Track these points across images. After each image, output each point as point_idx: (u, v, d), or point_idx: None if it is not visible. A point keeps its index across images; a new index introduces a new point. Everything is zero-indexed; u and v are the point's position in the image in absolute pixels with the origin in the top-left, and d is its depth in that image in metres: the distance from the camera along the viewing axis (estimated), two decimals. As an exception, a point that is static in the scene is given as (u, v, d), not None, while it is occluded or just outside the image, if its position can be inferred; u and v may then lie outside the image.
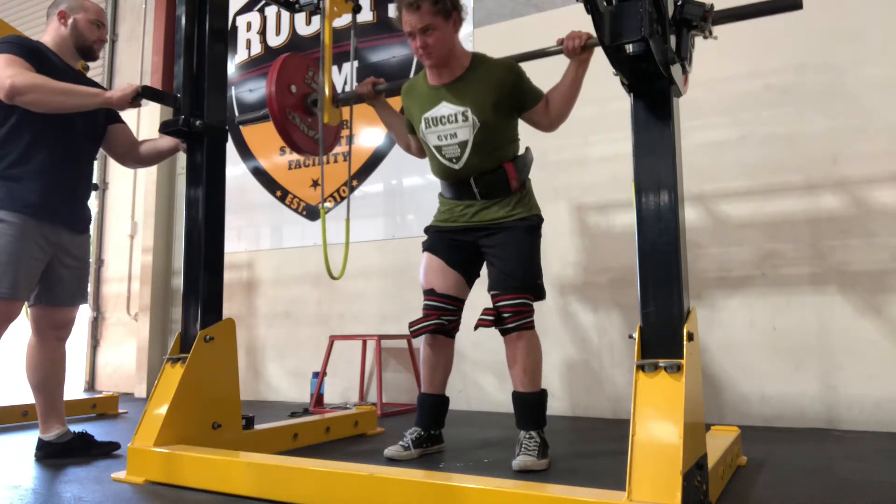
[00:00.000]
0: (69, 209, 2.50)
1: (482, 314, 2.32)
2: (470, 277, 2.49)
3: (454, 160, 2.38)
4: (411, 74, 4.28)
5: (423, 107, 2.42)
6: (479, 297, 2.50)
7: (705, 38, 1.89)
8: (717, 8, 1.91)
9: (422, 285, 2.48)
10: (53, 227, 2.43)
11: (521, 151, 2.47)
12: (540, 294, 2.36)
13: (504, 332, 2.31)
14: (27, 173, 2.38)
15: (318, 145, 2.72)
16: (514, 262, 2.32)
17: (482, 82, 2.34)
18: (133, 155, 2.73)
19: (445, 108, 2.36)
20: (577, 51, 2.21)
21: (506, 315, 2.29)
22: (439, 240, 2.48)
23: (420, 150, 2.59)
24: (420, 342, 2.53)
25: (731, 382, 3.21)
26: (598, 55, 1.71)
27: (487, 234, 2.38)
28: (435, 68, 2.38)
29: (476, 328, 2.34)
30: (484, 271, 2.49)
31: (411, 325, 2.46)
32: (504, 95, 2.33)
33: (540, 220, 2.44)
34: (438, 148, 2.40)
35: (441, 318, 2.41)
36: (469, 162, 2.35)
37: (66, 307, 2.55)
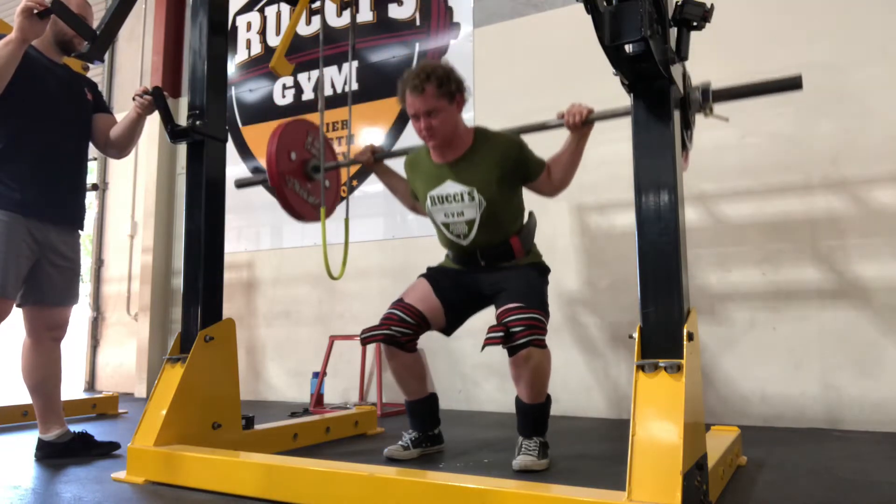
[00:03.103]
0: (56, 207, 2.48)
1: (489, 331, 2.14)
2: (452, 316, 2.42)
3: (461, 237, 2.38)
4: (411, 74, 4.28)
5: (428, 184, 2.42)
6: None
7: (706, 116, 1.94)
8: (719, 86, 1.95)
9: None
10: (40, 226, 2.42)
11: (526, 218, 2.48)
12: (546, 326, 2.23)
13: (513, 351, 2.13)
14: (11, 171, 2.36)
15: (315, 209, 2.71)
16: (524, 288, 2.27)
17: (486, 160, 2.34)
18: (110, 142, 2.67)
19: (451, 188, 2.36)
20: (579, 126, 2.22)
21: (515, 329, 2.10)
22: (439, 273, 2.47)
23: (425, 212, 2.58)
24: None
25: (731, 382, 3.21)
26: (599, 55, 1.71)
27: (492, 278, 2.37)
28: (438, 149, 2.38)
29: (483, 348, 2.18)
30: (468, 324, 2.46)
31: (363, 332, 2.38)
32: (508, 171, 2.34)
33: (546, 267, 2.45)
34: (445, 224, 2.41)
35: (393, 329, 2.32)
36: (476, 239, 2.36)
37: (58, 307, 2.53)
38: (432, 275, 2.49)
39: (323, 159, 2.69)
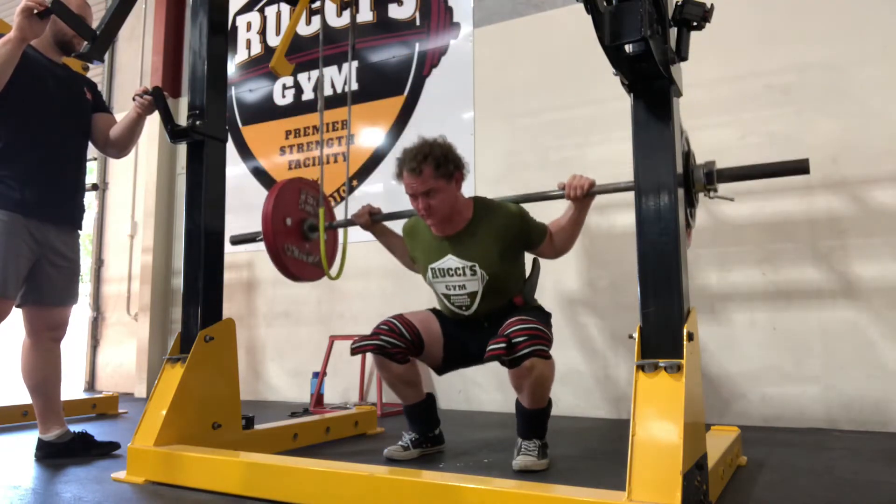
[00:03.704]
0: (56, 207, 2.48)
1: (491, 343, 2.07)
2: (449, 353, 2.40)
3: (464, 308, 2.37)
4: (411, 75, 4.29)
5: (428, 257, 2.40)
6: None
7: (710, 197, 1.93)
8: (724, 167, 1.95)
9: None
10: (40, 226, 2.42)
11: (528, 272, 2.46)
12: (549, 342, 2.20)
13: (515, 362, 2.07)
14: (11, 171, 2.36)
15: (315, 268, 2.72)
16: (528, 314, 2.23)
17: (487, 234, 2.32)
18: (110, 142, 2.68)
19: (452, 262, 2.34)
20: (580, 198, 2.21)
21: (518, 339, 2.05)
22: (445, 316, 2.45)
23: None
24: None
25: (731, 382, 3.21)
26: (599, 55, 1.71)
27: (493, 322, 2.32)
28: (438, 225, 2.36)
29: (485, 361, 2.14)
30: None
31: (355, 341, 2.37)
32: (509, 243, 2.33)
33: (549, 313, 2.44)
34: (447, 296, 2.39)
35: (384, 340, 2.30)
36: (479, 309, 2.35)
37: (58, 307, 2.53)
38: (438, 313, 2.48)
39: (322, 201, 2.73)
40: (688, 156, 1.90)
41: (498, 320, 2.26)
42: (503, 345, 2.06)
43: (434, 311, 2.51)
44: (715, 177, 1.92)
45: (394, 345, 2.31)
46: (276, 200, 2.60)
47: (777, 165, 2.00)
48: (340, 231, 2.96)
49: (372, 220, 2.61)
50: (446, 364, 2.46)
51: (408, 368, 2.39)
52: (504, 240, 2.31)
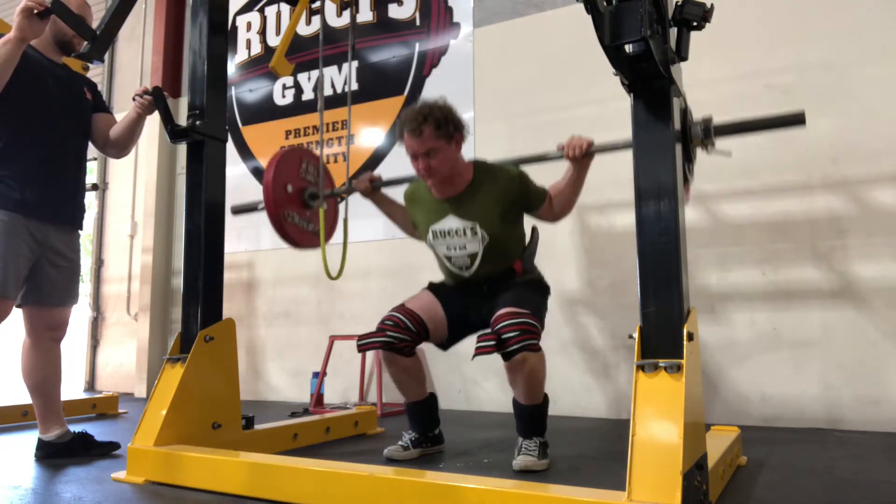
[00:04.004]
0: (56, 207, 2.47)
1: (480, 340, 2.12)
2: (453, 330, 2.41)
3: (464, 269, 2.38)
4: (411, 75, 4.29)
5: (429, 218, 2.42)
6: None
7: (708, 152, 1.93)
8: (722, 121, 1.94)
9: None
10: (40, 226, 2.42)
11: (528, 236, 2.47)
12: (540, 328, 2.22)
13: (507, 357, 2.11)
14: (11, 171, 2.36)
15: (315, 236, 2.72)
16: (520, 296, 2.24)
17: (487, 195, 2.34)
18: (110, 142, 2.67)
19: (453, 222, 2.36)
20: (579, 159, 2.22)
21: (508, 336, 2.08)
22: (444, 289, 2.46)
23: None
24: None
25: (731, 382, 3.21)
26: (599, 55, 1.71)
27: (492, 288, 2.35)
28: (438, 186, 2.38)
29: (474, 357, 2.15)
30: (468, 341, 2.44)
31: (360, 338, 2.35)
32: (509, 205, 2.34)
33: (546, 286, 2.44)
34: (448, 257, 2.40)
35: (390, 336, 2.29)
36: (479, 271, 2.36)
37: (58, 307, 2.53)
38: (436, 288, 2.48)
39: (322, 185, 2.70)
40: (685, 112, 1.90)
41: (497, 285, 2.32)
42: (492, 342, 2.08)
43: (432, 287, 2.50)
44: (712, 131, 1.91)
45: (401, 339, 2.31)
46: (278, 167, 2.59)
47: (773, 119, 2.00)
48: (341, 231, 2.95)
49: (372, 186, 2.60)
50: (451, 340, 2.47)
51: (414, 362, 2.40)
52: (504, 201, 2.33)
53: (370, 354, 4.10)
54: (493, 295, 2.32)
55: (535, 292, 2.37)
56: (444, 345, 2.48)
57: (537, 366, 2.16)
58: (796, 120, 1.92)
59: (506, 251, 2.38)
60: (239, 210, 3.02)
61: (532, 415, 2.26)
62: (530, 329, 2.11)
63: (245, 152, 4.95)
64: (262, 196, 2.58)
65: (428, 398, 2.50)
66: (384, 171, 4.31)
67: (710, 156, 1.99)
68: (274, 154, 2.65)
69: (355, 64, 4.49)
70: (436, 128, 2.26)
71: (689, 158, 2.00)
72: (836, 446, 2.58)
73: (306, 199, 2.70)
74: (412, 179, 2.54)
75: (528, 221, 2.50)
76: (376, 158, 4.36)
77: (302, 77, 4.71)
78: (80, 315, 4.92)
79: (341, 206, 2.92)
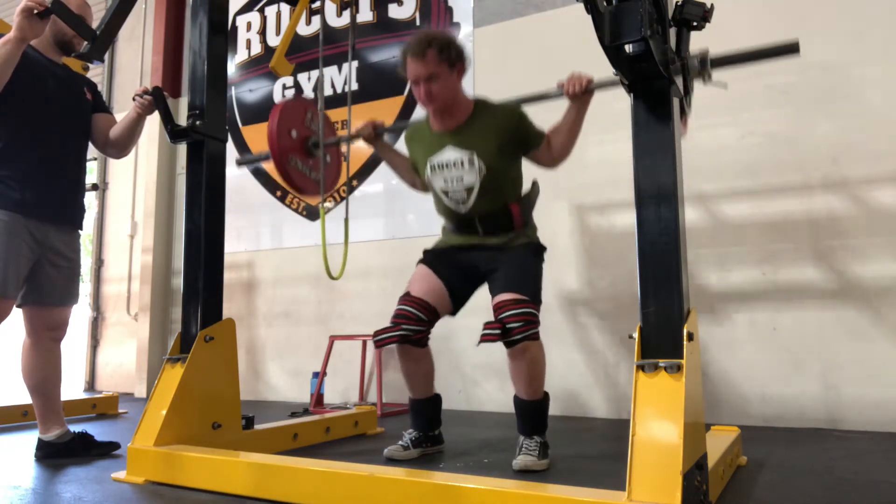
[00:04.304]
0: (56, 207, 2.47)
1: (486, 328, 2.19)
2: (456, 297, 2.43)
3: (460, 203, 2.38)
4: (411, 74, 4.28)
5: (427, 151, 2.43)
6: (478, 299, 2.49)
7: (704, 83, 1.93)
8: (716, 53, 1.93)
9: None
10: (40, 226, 2.41)
11: (528, 187, 2.48)
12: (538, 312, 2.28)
13: (509, 345, 2.21)
14: (11, 171, 2.36)
15: (317, 185, 2.72)
16: (519, 274, 2.28)
17: (486, 127, 2.35)
18: (110, 142, 2.67)
19: (451, 154, 2.37)
20: (579, 95, 2.23)
21: (512, 326, 2.17)
22: (436, 256, 2.48)
23: (426, 186, 2.56)
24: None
25: (731, 382, 3.21)
26: (599, 55, 1.71)
27: (488, 255, 2.37)
28: (438, 114, 2.40)
29: (479, 343, 2.21)
30: (473, 301, 2.46)
31: (376, 333, 2.38)
32: (508, 139, 2.35)
33: (542, 246, 2.45)
34: (444, 191, 2.41)
35: (405, 329, 2.32)
36: (475, 205, 2.36)
37: (58, 307, 2.53)
38: (430, 260, 2.48)
39: (322, 136, 2.70)
40: (681, 40, 1.89)
41: (494, 227, 2.35)
42: (498, 331, 2.17)
43: (426, 259, 2.49)
44: (709, 63, 1.91)
45: (416, 331, 2.34)
46: (283, 112, 2.60)
47: (768, 50, 2.00)
48: (341, 231, 2.95)
49: (375, 132, 2.61)
50: (456, 307, 2.47)
51: (427, 355, 2.43)
52: (503, 135, 2.35)
53: (370, 354, 4.10)
54: (489, 250, 2.34)
55: (534, 265, 2.37)
56: (452, 313, 2.49)
57: (538, 354, 2.23)
58: (790, 49, 1.92)
59: (502, 188, 2.38)
60: (244, 162, 3.02)
61: (533, 411, 2.28)
62: (531, 319, 2.19)
63: (245, 152, 4.95)
64: (267, 137, 2.58)
65: (433, 397, 2.51)
66: (384, 171, 4.31)
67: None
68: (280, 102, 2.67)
69: (355, 64, 4.49)
70: (439, 52, 2.29)
71: (686, 91, 1.99)
72: (836, 446, 2.58)
73: (310, 148, 2.71)
74: (415, 123, 2.57)
75: (528, 176, 2.49)
76: (376, 158, 4.35)
77: (302, 77, 4.71)
78: (80, 315, 4.92)
79: (341, 207, 2.91)
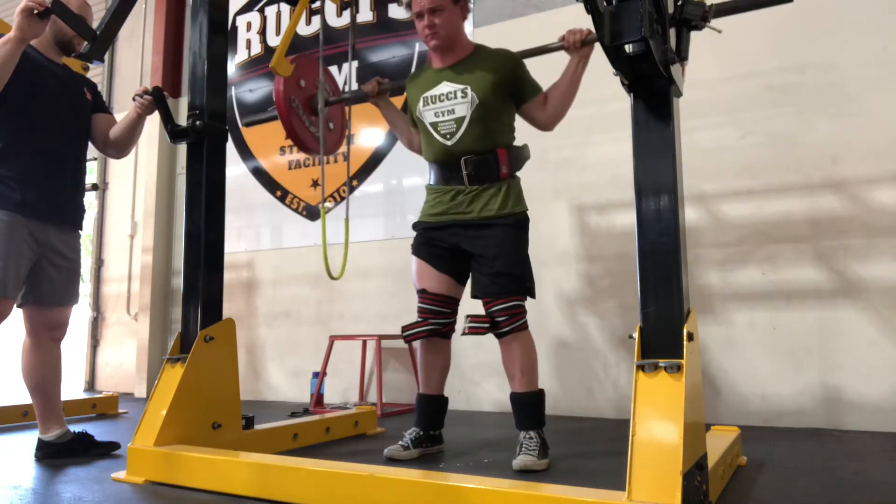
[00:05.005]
0: (56, 207, 2.48)
1: (472, 321, 2.31)
2: (460, 278, 2.48)
3: (448, 136, 2.40)
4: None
5: (424, 88, 2.48)
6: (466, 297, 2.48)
7: (699, 29, 1.91)
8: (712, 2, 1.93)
9: (415, 285, 2.50)
10: (40, 226, 2.42)
11: (519, 144, 2.49)
12: (531, 293, 2.36)
13: (499, 336, 2.32)
14: (11, 171, 2.36)
15: (317, 142, 2.73)
16: (502, 264, 2.30)
17: (484, 65, 2.40)
18: (109, 142, 2.68)
19: (446, 87, 2.42)
20: (578, 45, 2.27)
21: (500, 319, 2.29)
22: (424, 246, 2.48)
23: (421, 146, 2.58)
24: (418, 342, 2.52)
25: (731, 382, 3.21)
26: (599, 56, 1.71)
27: (471, 237, 2.36)
28: (439, 51, 2.45)
29: (464, 334, 2.34)
30: (473, 301, 2.46)
31: (404, 329, 2.46)
32: (504, 79, 2.39)
33: (526, 217, 2.42)
34: (434, 125, 2.43)
35: (434, 323, 2.41)
36: (463, 139, 2.37)
37: (58, 307, 2.53)
38: (422, 252, 2.48)
39: (321, 93, 2.74)
40: None
41: (479, 173, 2.35)
42: (486, 325, 2.29)
43: (417, 252, 2.49)
44: (711, 16, 1.90)
45: (443, 324, 2.44)
46: (298, 59, 2.64)
47: None
48: (341, 231, 2.95)
49: (380, 88, 2.66)
50: (463, 286, 2.49)
51: (447, 347, 2.51)
52: (499, 74, 2.38)
53: (370, 353, 4.10)
54: (475, 229, 2.34)
55: (518, 243, 2.35)
56: (461, 283, 2.51)
57: (527, 342, 2.33)
58: None
59: (492, 126, 2.38)
60: (251, 122, 3.04)
61: (529, 403, 2.31)
62: (518, 311, 2.30)
63: (245, 152, 4.95)
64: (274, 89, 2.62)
65: (441, 398, 2.53)
66: (384, 171, 4.32)
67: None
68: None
69: (355, 64, 4.49)
70: None
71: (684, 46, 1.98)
72: (836, 446, 2.58)
73: (314, 105, 2.75)
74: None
75: (522, 138, 2.49)
76: (376, 158, 4.36)
77: (302, 77, 4.70)
78: (80, 315, 4.92)
79: (342, 207, 2.91)
